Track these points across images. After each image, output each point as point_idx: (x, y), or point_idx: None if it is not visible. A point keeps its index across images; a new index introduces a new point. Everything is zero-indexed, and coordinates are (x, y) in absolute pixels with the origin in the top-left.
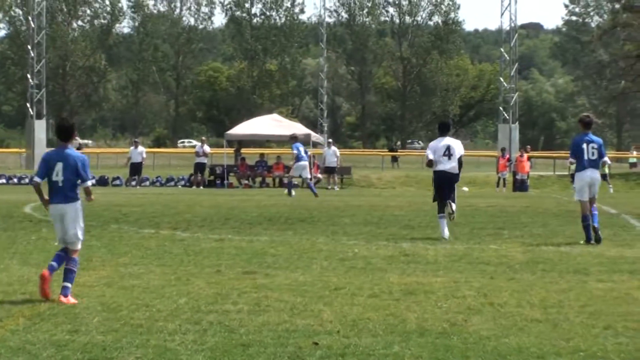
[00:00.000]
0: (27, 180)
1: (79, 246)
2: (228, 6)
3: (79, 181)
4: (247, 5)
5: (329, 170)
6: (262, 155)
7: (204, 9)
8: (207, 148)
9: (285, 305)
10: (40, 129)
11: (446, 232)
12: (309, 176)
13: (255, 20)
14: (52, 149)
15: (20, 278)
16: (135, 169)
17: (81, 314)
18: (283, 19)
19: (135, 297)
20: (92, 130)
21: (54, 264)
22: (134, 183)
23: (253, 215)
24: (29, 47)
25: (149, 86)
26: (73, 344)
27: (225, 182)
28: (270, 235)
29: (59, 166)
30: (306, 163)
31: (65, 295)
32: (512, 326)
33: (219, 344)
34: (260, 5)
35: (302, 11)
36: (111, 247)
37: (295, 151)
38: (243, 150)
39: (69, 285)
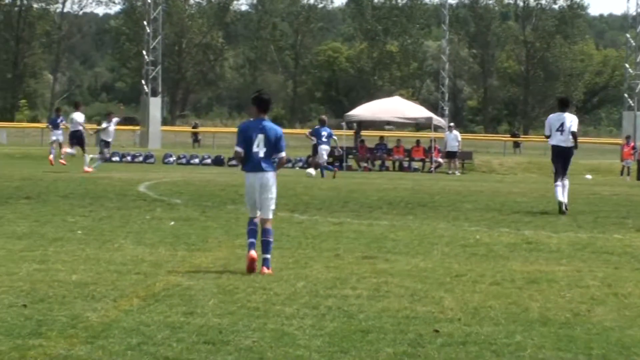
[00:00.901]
0: (141, 159)
1: (272, 215)
2: None
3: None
4: None
5: (450, 155)
6: (382, 138)
7: None
8: None
9: (405, 291)
10: (155, 106)
11: (559, 196)
12: (325, 160)
13: (376, 0)
14: (248, 120)
15: (134, 258)
16: None
17: (196, 296)
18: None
19: (252, 279)
20: (208, 108)
21: (252, 240)
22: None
23: (373, 199)
24: (145, 23)
25: (266, 65)
26: (188, 326)
27: (344, 164)
28: (390, 219)
29: (260, 137)
30: (327, 147)
31: (268, 267)
32: (637, 317)
33: (338, 330)
34: None
35: None
36: (228, 229)
37: (324, 133)
38: (363, 133)
39: (268, 256)
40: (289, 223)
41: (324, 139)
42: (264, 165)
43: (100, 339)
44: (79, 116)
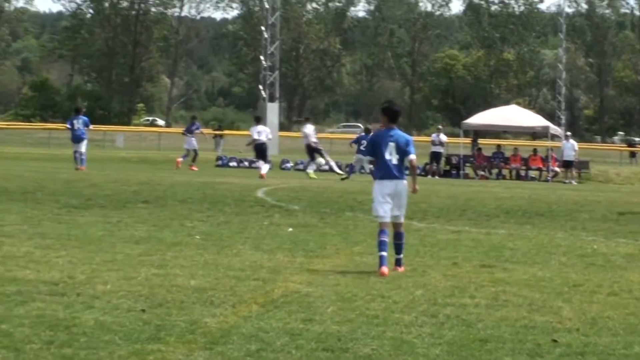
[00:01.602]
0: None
1: (403, 219)
2: None
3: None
4: None
5: (566, 164)
6: (499, 146)
7: None
8: (443, 137)
9: (523, 300)
10: (273, 112)
11: None
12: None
13: (493, 8)
14: (373, 130)
15: (253, 264)
16: None
17: (315, 303)
18: (522, 8)
19: (370, 287)
20: (325, 114)
21: (384, 253)
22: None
23: (490, 208)
24: (263, 28)
25: (383, 72)
26: (307, 333)
27: (461, 172)
28: (508, 228)
29: (392, 146)
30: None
31: (400, 266)
32: None
33: (456, 338)
34: None
35: (541, 0)
36: (346, 235)
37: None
38: (480, 141)
39: (401, 256)
40: (407, 231)
41: (362, 147)
42: (397, 172)
43: (219, 345)
44: (263, 129)
